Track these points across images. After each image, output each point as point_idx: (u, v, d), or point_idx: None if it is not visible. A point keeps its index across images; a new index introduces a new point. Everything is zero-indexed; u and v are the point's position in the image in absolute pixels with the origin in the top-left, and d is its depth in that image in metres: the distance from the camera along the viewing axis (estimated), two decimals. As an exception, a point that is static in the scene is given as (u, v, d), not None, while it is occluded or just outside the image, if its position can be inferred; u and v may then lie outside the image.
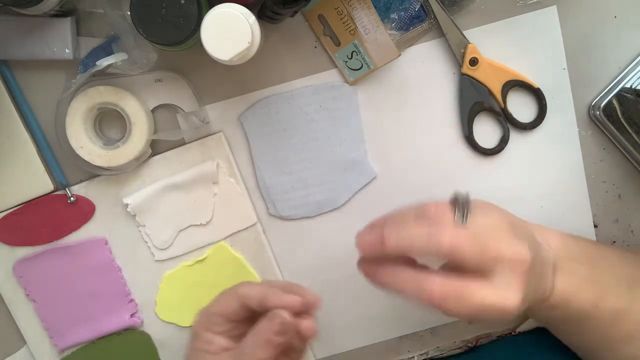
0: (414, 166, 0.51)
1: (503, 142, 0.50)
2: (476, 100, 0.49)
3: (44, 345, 0.53)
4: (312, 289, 0.44)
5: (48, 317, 0.52)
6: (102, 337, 0.53)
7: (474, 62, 0.48)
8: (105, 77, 0.48)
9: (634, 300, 0.42)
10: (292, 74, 0.49)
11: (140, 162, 0.50)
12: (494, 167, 0.51)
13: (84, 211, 0.51)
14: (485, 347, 0.55)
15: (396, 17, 0.48)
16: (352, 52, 0.48)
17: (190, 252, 0.52)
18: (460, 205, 0.36)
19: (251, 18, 0.40)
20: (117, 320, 0.52)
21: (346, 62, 0.49)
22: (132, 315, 0.53)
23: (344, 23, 0.48)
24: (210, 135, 0.50)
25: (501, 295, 0.34)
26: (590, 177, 0.51)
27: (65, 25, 0.46)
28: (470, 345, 0.56)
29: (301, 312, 0.40)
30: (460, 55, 0.49)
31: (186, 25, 0.40)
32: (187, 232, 0.52)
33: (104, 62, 0.45)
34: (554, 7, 0.48)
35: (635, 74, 0.48)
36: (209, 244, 0.52)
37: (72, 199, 0.50)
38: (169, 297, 0.53)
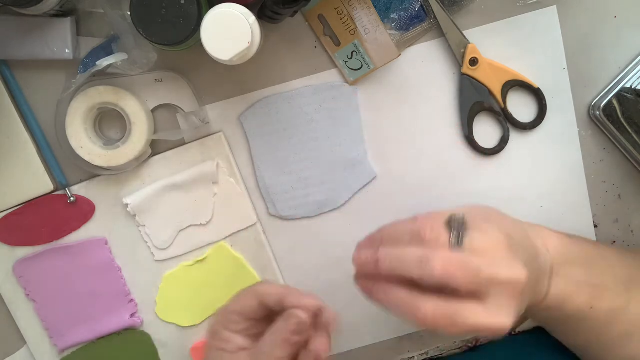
0: (414, 166, 0.51)
1: (503, 142, 0.50)
2: (476, 100, 0.49)
3: (44, 345, 0.53)
4: (312, 289, 0.44)
5: (48, 317, 0.52)
6: (102, 337, 0.53)
7: (474, 62, 0.48)
8: (105, 77, 0.48)
9: (630, 300, 0.42)
10: (292, 74, 0.49)
11: (140, 162, 0.50)
12: (494, 167, 0.51)
13: (84, 211, 0.51)
14: (485, 347, 0.55)
15: (396, 17, 0.48)
16: (352, 52, 0.48)
17: (190, 252, 0.52)
18: (456, 228, 0.36)
19: (251, 18, 0.40)
20: (117, 320, 0.52)
21: (346, 62, 0.49)
22: (132, 315, 0.53)
23: (344, 23, 0.48)
24: (210, 135, 0.50)
25: (494, 317, 0.34)
26: (590, 177, 0.51)
27: (65, 25, 0.46)
28: (470, 345, 0.56)
29: (318, 326, 0.40)
30: (460, 55, 0.49)
31: (186, 25, 0.40)
32: (187, 232, 0.52)
33: (104, 62, 0.45)
34: (554, 7, 0.48)
35: (635, 74, 0.48)
36: (209, 244, 0.52)
37: (72, 199, 0.50)
38: (169, 297, 0.53)
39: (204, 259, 0.52)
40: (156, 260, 0.52)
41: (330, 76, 0.50)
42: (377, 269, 0.36)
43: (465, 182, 0.51)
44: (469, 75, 0.49)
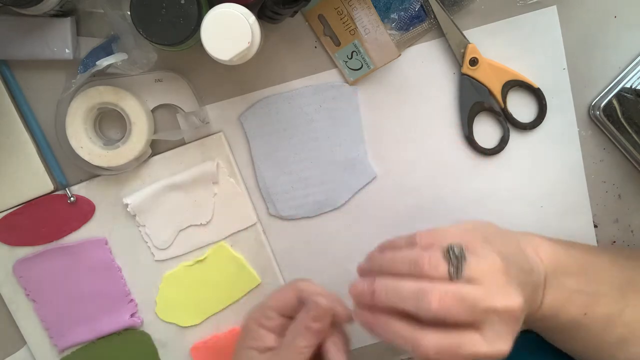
0: (414, 166, 0.51)
1: (503, 142, 0.50)
2: (476, 100, 0.49)
3: (44, 345, 0.53)
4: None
5: (48, 317, 0.52)
6: (102, 337, 0.53)
7: (474, 62, 0.48)
8: (105, 77, 0.48)
9: (626, 305, 0.42)
10: (292, 74, 0.49)
11: (140, 162, 0.50)
12: (494, 167, 0.51)
13: (84, 211, 0.51)
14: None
15: (396, 17, 0.48)
16: (352, 52, 0.48)
17: (190, 252, 0.52)
18: (454, 259, 0.36)
19: (251, 18, 0.40)
20: (117, 320, 0.52)
21: (346, 62, 0.49)
22: (132, 315, 0.53)
23: (344, 23, 0.48)
24: (210, 135, 0.50)
25: (494, 345, 0.34)
26: (590, 177, 0.51)
27: (65, 25, 0.46)
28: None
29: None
30: (460, 55, 0.49)
31: (186, 25, 0.40)
32: (187, 232, 0.52)
33: (104, 62, 0.45)
34: (554, 7, 0.48)
35: (635, 74, 0.48)
36: (209, 244, 0.52)
37: (72, 199, 0.50)
38: (169, 297, 0.53)
39: (204, 259, 0.52)
40: (156, 260, 0.52)
41: (330, 76, 0.50)
42: (374, 301, 0.36)
43: (465, 182, 0.51)
44: (469, 75, 0.49)
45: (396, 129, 0.51)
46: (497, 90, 0.49)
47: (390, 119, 0.51)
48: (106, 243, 0.52)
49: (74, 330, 0.52)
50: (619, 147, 0.50)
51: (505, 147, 0.50)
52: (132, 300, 0.53)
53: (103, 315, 0.52)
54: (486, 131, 0.51)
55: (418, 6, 0.47)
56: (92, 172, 0.50)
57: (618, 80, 0.49)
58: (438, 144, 0.51)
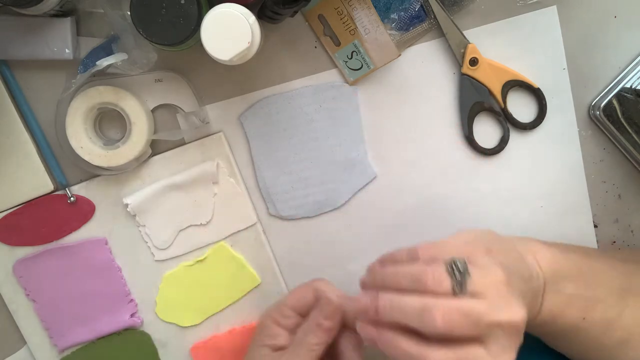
0: (414, 166, 0.51)
1: (503, 142, 0.50)
2: (476, 100, 0.49)
3: (44, 345, 0.53)
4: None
5: (48, 317, 0.52)
6: (102, 337, 0.53)
7: (474, 62, 0.48)
8: (105, 77, 0.48)
9: (624, 308, 0.43)
10: (292, 74, 0.49)
11: (140, 162, 0.50)
12: (494, 167, 0.51)
13: (84, 211, 0.51)
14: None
15: (396, 17, 0.48)
16: (352, 52, 0.48)
17: (190, 252, 0.52)
18: (458, 274, 0.36)
19: (251, 18, 0.40)
20: (117, 320, 0.52)
21: (346, 62, 0.49)
22: (132, 315, 0.53)
23: (344, 23, 0.48)
24: (210, 135, 0.50)
25: (498, 358, 0.35)
26: (590, 177, 0.51)
27: (65, 25, 0.46)
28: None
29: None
30: (460, 55, 0.49)
31: (186, 25, 0.40)
32: (187, 232, 0.52)
33: (104, 62, 0.45)
34: (554, 7, 0.48)
35: (635, 74, 0.48)
36: (209, 244, 0.52)
37: (72, 199, 0.50)
38: (169, 297, 0.53)
39: (204, 259, 0.52)
40: (156, 260, 0.52)
41: (330, 76, 0.50)
42: (378, 317, 0.36)
43: (465, 182, 0.51)
44: (469, 75, 0.49)
45: (396, 129, 0.51)
46: (497, 90, 0.49)
47: (390, 119, 0.50)
48: (106, 243, 0.52)
49: (74, 330, 0.52)
50: (619, 147, 0.50)
51: (505, 147, 0.50)
52: (132, 300, 0.53)
53: (103, 315, 0.52)
54: (486, 131, 0.51)
55: (418, 6, 0.47)
56: (92, 172, 0.50)
57: (618, 80, 0.49)
58: (438, 144, 0.51)
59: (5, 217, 0.50)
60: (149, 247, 0.52)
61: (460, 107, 0.50)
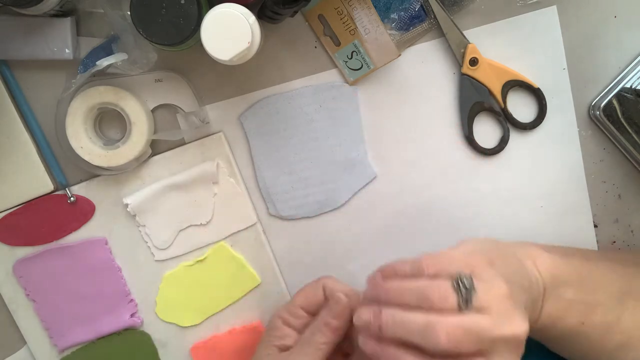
0: (414, 166, 0.51)
1: (503, 142, 0.50)
2: (476, 100, 0.49)
3: (44, 345, 0.53)
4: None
5: (48, 317, 0.52)
6: (102, 337, 0.53)
7: (474, 62, 0.48)
8: (105, 77, 0.48)
9: (624, 312, 0.43)
10: (292, 74, 0.49)
11: (140, 162, 0.50)
12: (494, 167, 0.51)
13: (84, 211, 0.51)
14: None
15: (396, 17, 0.48)
16: (352, 52, 0.48)
17: (190, 252, 0.52)
18: (464, 290, 0.35)
19: (251, 18, 0.40)
20: (117, 320, 0.52)
21: (346, 62, 0.49)
22: (132, 315, 0.53)
23: (344, 23, 0.48)
24: (210, 135, 0.50)
25: None
26: (590, 177, 0.51)
27: (65, 25, 0.46)
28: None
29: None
30: (460, 55, 0.49)
31: (186, 25, 0.40)
32: (187, 232, 0.52)
33: (104, 62, 0.45)
34: (554, 7, 0.48)
35: (635, 74, 0.48)
36: (209, 244, 0.52)
37: (72, 199, 0.50)
38: (169, 297, 0.53)
39: (204, 259, 0.52)
40: (156, 260, 0.52)
41: (330, 76, 0.50)
42: (381, 333, 0.36)
43: (465, 182, 0.51)
44: (469, 75, 0.49)
45: (396, 129, 0.51)
46: (497, 90, 0.49)
47: (390, 119, 0.50)
48: (106, 243, 0.52)
49: (74, 330, 0.52)
50: (619, 147, 0.50)
51: (505, 147, 0.50)
52: (132, 300, 0.53)
53: (103, 315, 0.52)
54: (486, 131, 0.51)
55: (418, 6, 0.47)
56: (92, 172, 0.50)
57: (618, 80, 0.49)
58: (438, 144, 0.51)
59: (5, 217, 0.50)
60: (149, 247, 0.52)
61: (460, 107, 0.50)
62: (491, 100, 0.49)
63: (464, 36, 0.48)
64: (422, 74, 0.50)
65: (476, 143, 0.50)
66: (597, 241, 0.53)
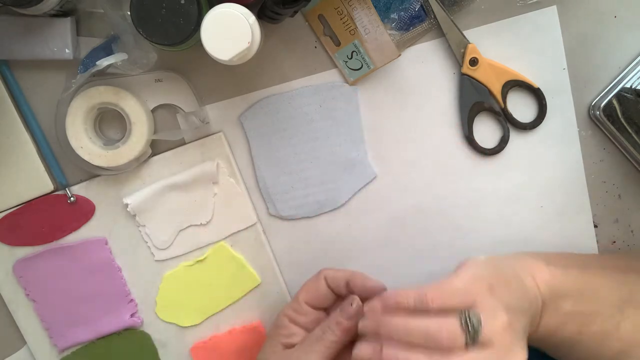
0: (414, 166, 0.51)
1: (503, 142, 0.50)
2: (476, 100, 0.49)
3: (44, 345, 0.53)
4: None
5: (48, 317, 0.52)
6: (102, 337, 0.53)
7: (474, 62, 0.48)
8: (105, 77, 0.48)
9: (623, 320, 0.43)
10: (292, 74, 0.49)
11: (140, 162, 0.50)
12: (494, 167, 0.51)
13: (84, 211, 0.51)
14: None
15: (396, 17, 0.48)
16: (352, 52, 0.48)
17: (190, 252, 0.52)
18: (471, 330, 0.35)
19: (251, 18, 0.40)
20: (117, 320, 0.52)
21: (346, 62, 0.49)
22: (132, 315, 0.53)
23: (344, 23, 0.48)
24: (210, 135, 0.50)
25: None
26: (590, 177, 0.51)
27: (65, 25, 0.46)
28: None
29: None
30: (460, 55, 0.49)
31: (186, 25, 0.40)
32: (187, 232, 0.52)
33: (104, 62, 0.45)
34: (554, 7, 0.48)
35: (635, 74, 0.48)
36: (209, 244, 0.52)
37: (72, 199, 0.50)
38: (169, 297, 0.53)
39: (204, 259, 0.52)
40: (156, 260, 0.52)
41: (330, 76, 0.50)
42: None
43: (465, 182, 0.51)
44: (469, 75, 0.49)
45: (396, 129, 0.51)
46: (497, 90, 0.49)
47: (390, 119, 0.50)
48: (106, 243, 0.52)
49: (74, 330, 0.52)
50: (619, 147, 0.50)
51: (505, 147, 0.50)
52: (132, 300, 0.53)
53: (103, 315, 0.52)
54: (486, 131, 0.51)
55: (418, 6, 0.47)
56: (92, 172, 0.50)
57: (618, 80, 0.49)
58: (438, 144, 0.51)
59: (5, 217, 0.50)
60: (149, 247, 0.52)
61: (460, 107, 0.50)
62: (491, 100, 0.49)
63: (464, 36, 0.48)
64: (422, 74, 0.50)
65: (476, 143, 0.50)
66: (597, 241, 0.53)
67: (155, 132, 0.50)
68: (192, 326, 0.53)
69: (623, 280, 0.45)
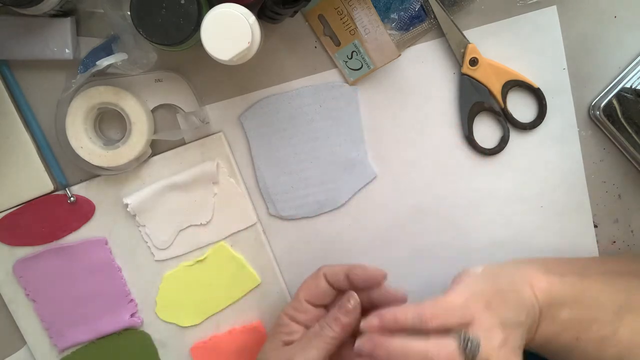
0: (414, 166, 0.51)
1: (503, 142, 0.50)
2: (476, 100, 0.49)
3: (44, 345, 0.53)
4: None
5: (48, 317, 0.52)
6: (102, 337, 0.53)
7: (474, 62, 0.48)
8: (105, 77, 0.48)
9: (620, 325, 0.43)
10: (292, 74, 0.49)
11: (140, 162, 0.50)
12: (494, 167, 0.51)
13: (84, 211, 0.51)
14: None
15: (396, 17, 0.48)
16: (352, 52, 0.48)
17: (190, 252, 0.52)
18: (469, 353, 0.36)
19: (251, 18, 0.40)
20: (117, 320, 0.52)
21: (346, 62, 0.49)
22: (132, 315, 0.53)
23: (344, 23, 0.48)
24: (210, 135, 0.50)
25: None
26: (590, 177, 0.51)
27: (65, 25, 0.46)
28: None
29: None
30: (460, 55, 0.49)
31: (186, 25, 0.40)
32: (187, 232, 0.52)
33: (104, 62, 0.45)
34: (554, 7, 0.48)
35: (635, 74, 0.48)
36: (209, 244, 0.52)
37: (72, 199, 0.50)
38: (169, 297, 0.53)
39: (204, 259, 0.52)
40: (156, 260, 0.52)
41: (330, 76, 0.50)
42: None
43: (465, 182, 0.51)
44: (469, 75, 0.49)
45: (396, 129, 0.51)
46: (497, 90, 0.49)
47: (390, 119, 0.50)
48: (106, 243, 0.52)
49: (74, 330, 0.52)
50: (619, 147, 0.50)
51: (505, 147, 0.50)
52: (132, 300, 0.53)
53: (103, 315, 0.52)
54: (486, 131, 0.51)
55: (418, 6, 0.47)
56: (92, 172, 0.50)
57: (618, 80, 0.49)
58: (438, 144, 0.51)
59: (5, 217, 0.50)
60: (149, 247, 0.52)
61: (460, 107, 0.50)
62: (491, 100, 0.49)
63: (464, 36, 0.48)
64: (422, 74, 0.50)
65: (476, 143, 0.50)
66: (597, 241, 0.53)
67: (155, 132, 0.50)
68: (192, 326, 0.53)
69: (622, 286, 0.45)
